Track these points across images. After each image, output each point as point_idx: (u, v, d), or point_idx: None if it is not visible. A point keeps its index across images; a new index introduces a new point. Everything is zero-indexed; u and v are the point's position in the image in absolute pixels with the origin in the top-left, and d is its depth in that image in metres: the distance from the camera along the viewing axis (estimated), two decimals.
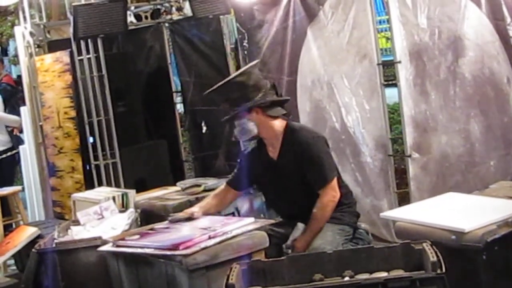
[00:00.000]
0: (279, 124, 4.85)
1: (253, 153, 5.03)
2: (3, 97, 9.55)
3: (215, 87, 4.85)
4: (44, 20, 8.25)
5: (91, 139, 7.64)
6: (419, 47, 5.78)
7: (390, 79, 6.34)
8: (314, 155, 4.74)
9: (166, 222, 4.71)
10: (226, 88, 4.79)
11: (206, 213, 4.82)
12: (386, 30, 6.61)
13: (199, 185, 5.94)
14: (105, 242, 4.64)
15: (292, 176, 4.80)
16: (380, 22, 6.84)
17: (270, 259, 3.69)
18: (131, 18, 8.25)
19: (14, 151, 9.29)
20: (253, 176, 4.99)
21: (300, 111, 6.93)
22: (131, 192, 5.95)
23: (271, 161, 4.90)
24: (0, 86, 9.81)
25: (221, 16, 7.98)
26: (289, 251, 4.72)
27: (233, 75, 4.92)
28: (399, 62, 5.89)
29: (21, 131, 9.45)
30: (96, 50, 7.54)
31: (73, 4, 7.41)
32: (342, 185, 4.93)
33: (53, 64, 7.84)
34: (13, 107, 9.70)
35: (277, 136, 4.84)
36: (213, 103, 8.02)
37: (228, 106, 4.83)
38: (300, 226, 4.82)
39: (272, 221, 4.69)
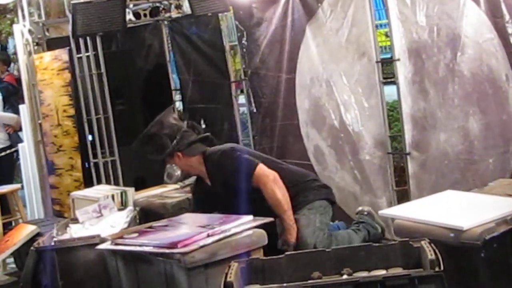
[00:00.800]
0: (198, 160, 5.18)
1: (195, 185, 5.51)
2: (4, 95, 9.55)
3: (135, 142, 5.42)
4: (43, 18, 8.24)
5: (90, 137, 7.63)
6: (418, 44, 5.78)
7: (389, 77, 6.34)
8: (229, 168, 4.98)
9: (167, 220, 4.72)
10: (144, 141, 5.31)
11: None
12: (385, 26, 6.59)
13: None
14: (103, 240, 4.64)
15: (225, 192, 5.00)
16: (380, 19, 6.83)
17: (269, 257, 3.69)
18: (130, 16, 8.24)
19: (12, 149, 9.28)
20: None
21: (299, 109, 6.93)
22: (130, 190, 5.96)
23: (207, 188, 5.21)
24: (2, 84, 9.81)
25: (220, 14, 7.98)
26: (284, 247, 4.75)
27: (148, 127, 5.39)
28: (398, 59, 5.89)
29: (15, 130, 9.45)
30: (95, 48, 7.53)
31: (72, 2, 7.39)
32: (285, 168, 5.12)
33: (52, 62, 7.83)
34: (12, 105, 9.70)
35: (201, 170, 5.17)
36: (212, 101, 8.07)
37: (155, 156, 5.28)
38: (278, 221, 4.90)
39: (271, 219, 4.69)
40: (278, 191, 4.84)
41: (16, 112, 9.24)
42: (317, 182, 5.13)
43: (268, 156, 5.47)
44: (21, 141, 9.21)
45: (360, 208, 5.13)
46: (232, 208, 4.78)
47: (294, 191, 4.94)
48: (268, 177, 4.86)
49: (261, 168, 4.90)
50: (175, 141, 5.14)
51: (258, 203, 4.77)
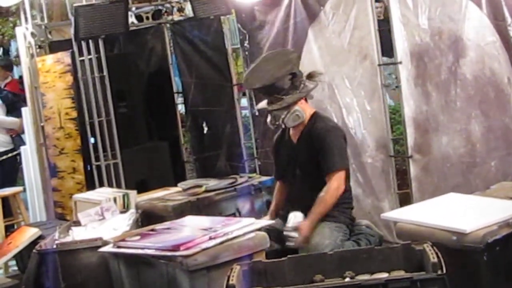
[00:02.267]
0: (309, 110, 5.09)
1: (277, 140, 5.31)
2: (5, 104, 9.57)
3: (266, 82, 4.96)
4: (46, 21, 8.25)
5: (92, 140, 7.64)
6: (420, 47, 5.78)
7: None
8: (328, 141, 4.91)
9: (169, 223, 4.72)
10: (280, 80, 4.95)
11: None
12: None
13: (200, 186, 5.95)
14: (106, 243, 4.64)
15: (307, 161, 4.98)
16: None
17: (271, 260, 3.69)
18: (132, 19, 8.25)
19: (15, 152, 9.29)
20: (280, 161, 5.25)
21: None
22: (132, 193, 5.96)
23: (292, 144, 5.13)
24: (1, 93, 9.78)
25: (222, 17, 7.98)
26: (291, 233, 4.78)
27: (279, 69, 4.99)
28: (400, 62, 5.89)
29: (18, 134, 9.45)
30: (97, 51, 7.54)
31: (75, 5, 7.41)
32: (346, 184, 4.99)
33: (54, 65, 7.84)
34: (17, 109, 9.69)
35: (304, 121, 5.04)
36: (214, 104, 8.06)
37: (276, 96, 4.96)
38: (292, 215, 4.88)
39: (273, 222, 4.69)
40: (334, 200, 4.88)
41: (19, 115, 9.25)
42: (351, 213, 5.12)
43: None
44: (23, 144, 9.22)
45: (358, 221, 5.13)
46: (292, 171, 5.06)
47: (335, 205, 4.94)
48: (339, 187, 4.87)
49: (342, 175, 4.89)
50: (303, 80, 5.04)
51: (311, 190, 4.90)
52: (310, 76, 5.09)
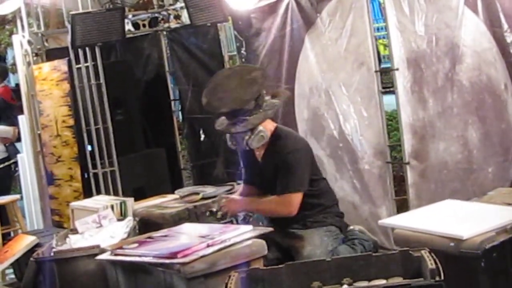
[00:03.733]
0: (270, 126, 4.95)
1: (244, 152, 5.13)
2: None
3: (235, 106, 4.76)
4: (42, 29, 8.26)
5: (89, 148, 7.64)
6: (416, 54, 5.78)
7: (388, 86, 6.34)
8: (287, 164, 4.81)
9: (166, 230, 4.72)
10: (250, 104, 4.77)
11: None
12: (383, 38, 6.60)
13: (197, 193, 5.93)
14: (103, 251, 4.63)
15: (272, 179, 4.90)
16: (377, 29, 6.84)
17: (269, 267, 3.69)
18: (129, 26, 8.26)
19: (11, 161, 9.27)
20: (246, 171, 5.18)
21: (298, 119, 6.93)
22: (130, 201, 5.95)
23: (256, 161, 5.04)
24: None
25: (219, 24, 7.99)
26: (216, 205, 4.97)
27: (245, 90, 4.81)
28: (397, 69, 5.89)
29: (12, 142, 9.43)
30: (94, 59, 7.54)
31: (71, 12, 7.42)
32: (323, 185, 5.07)
33: (51, 73, 7.85)
34: (8, 117, 9.67)
35: (267, 139, 4.92)
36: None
37: (240, 118, 4.78)
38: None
39: (271, 229, 4.69)
40: (273, 214, 4.94)
41: (12, 124, 9.23)
42: (338, 209, 5.11)
43: (318, 165, 5.27)
44: (18, 152, 9.21)
45: (351, 227, 5.11)
46: (260, 187, 5.02)
47: (318, 208, 4.95)
48: (286, 210, 4.83)
49: (295, 199, 4.81)
50: (277, 100, 4.88)
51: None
52: (275, 96, 4.96)
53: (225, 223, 5.00)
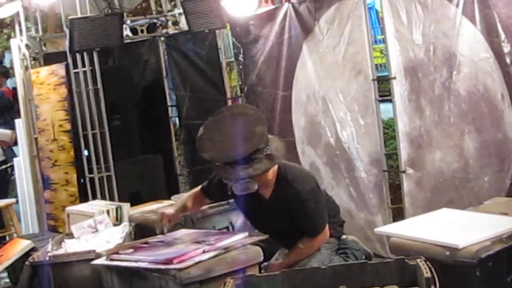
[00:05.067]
0: (271, 172, 4.64)
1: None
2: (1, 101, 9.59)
3: (235, 157, 4.39)
4: (40, 33, 8.27)
5: (85, 152, 7.64)
6: (414, 63, 5.80)
7: (385, 95, 6.35)
8: (307, 211, 4.62)
9: (162, 236, 4.71)
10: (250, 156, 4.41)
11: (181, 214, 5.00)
12: (381, 42, 6.62)
13: None
14: (99, 256, 4.63)
15: (282, 217, 4.69)
16: (375, 41, 6.86)
17: (265, 274, 3.69)
18: (127, 32, 8.27)
19: (8, 165, 9.27)
20: (241, 205, 4.92)
21: (295, 126, 6.94)
22: (126, 206, 5.95)
23: (261, 198, 4.72)
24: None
25: (217, 31, 8.00)
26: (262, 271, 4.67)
27: (251, 138, 4.43)
28: (394, 78, 5.91)
29: (9, 146, 9.43)
30: (91, 63, 7.55)
31: (69, 17, 7.43)
32: (329, 200, 4.97)
33: (48, 77, 7.85)
34: (6, 120, 9.69)
35: (271, 183, 4.68)
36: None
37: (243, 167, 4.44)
38: (284, 252, 4.81)
39: (266, 236, 4.68)
40: (311, 252, 4.73)
41: (11, 127, 9.24)
42: (339, 217, 5.07)
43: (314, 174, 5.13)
44: (15, 156, 9.21)
45: (344, 237, 5.08)
46: (262, 221, 4.74)
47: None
48: (323, 240, 4.72)
49: (326, 230, 4.71)
50: (276, 152, 4.50)
51: (288, 234, 4.69)
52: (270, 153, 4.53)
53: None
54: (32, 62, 8.22)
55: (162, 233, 4.81)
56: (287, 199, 4.62)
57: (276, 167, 4.62)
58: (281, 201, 4.66)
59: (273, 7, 7.32)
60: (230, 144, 4.47)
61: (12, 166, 9.16)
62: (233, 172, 4.44)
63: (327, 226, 4.72)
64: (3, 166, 9.25)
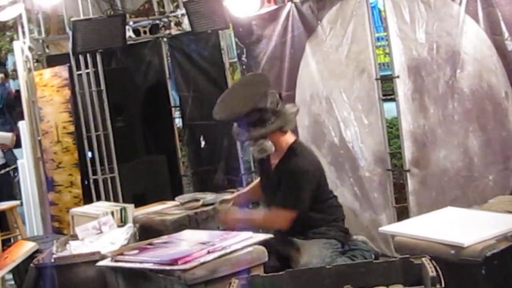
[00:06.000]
0: (287, 140, 4.90)
1: (261, 159, 5.14)
2: (5, 99, 9.62)
3: (234, 115, 4.87)
4: (43, 35, 8.29)
5: (89, 154, 7.65)
6: (417, 61, 5.79)
7: (389, 94, 6.35)
8: (292, 182, 4.78)
9: (167, 237, 4.72)
10: (250, 116, 4.75)
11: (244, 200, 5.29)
12: (384, 42, 6.61)
13: (197, 200, 5.93)
14: (103, 257, 4.62)
15: (275, 190, 4.89)
16: (378, 39, 6.86)
17: (269, 274, 3.68)
18: (130, 33, 8.28)
19: (11, 167, 9.28)
20: (261, 180, 5.20)
21: (298, 126, 6.92)
22: (130, 207, 5.95)
23: (269, 170, 5.02)
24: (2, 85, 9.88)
25: (219, 31, 8.00)
26: (219, 205, 5.05)
27: (253, 99, 4.80)
28: (398, 77, 5.90)
29: (9, 149, 9.44)
30: (95, 65, 7.56)
31: (72, 19, 7.44)
32: (331, 202, 5.01)
33: (52, 79, 7.86)
34: (6, 120, 9.71)
35: (282, 151, 4.90)
36: (212, 118, 8.06)
37: (246, 129, 4.82)
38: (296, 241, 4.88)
39: (271, 236, 4.68)
40: (264, 226, 4.89)
41: (11, 127, 9.26)
42: (343, 224, 5.10)
43: (328, 183, 5.19)
44: (16, 159, 9.23)
45: (354, 237, 5.11)
46: (267, 196, 5.05)
47: (322, 222, 4.92)
48: (278, 224, 4.83)
49: (288, 216, 4.78)
50: (278, 118, 4.81)
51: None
52: (280, 112, 4.88)
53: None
54: (35, 64, 8.23)
55: None
56: (284, 169, 4.85)
57: (291, 139, 4.90)
58: (280, 171, 4.88)
59: (275, 7, 7.31)
60: (233, 104, 4.88)
61: (14, 169, 9.17)
62: (240, 132, 4.89)
63: (291, 214, 4.77)
64: (6, 169, 9.25)
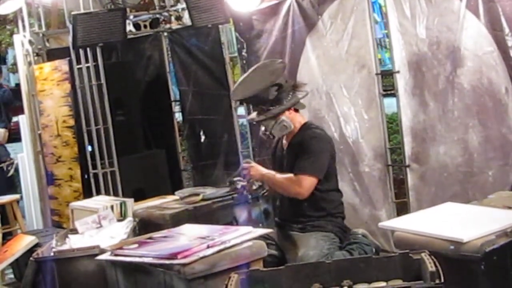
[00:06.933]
0: (300, 119, 5.10)
1: (274, 147, 5.34)
2: (4, 97, 9.61)
3: (248, 94, 5.03)
4: (43, 29, 8.28)
5: (89, 148, 7.64)
6: (418, 57, 5.79)
7: (389, 89, 6.35)
8: (308, 148, 4.92)
9: (166, 231, 4.72)
10: (264, 92, 4.93)
11: None
12: (385, 37, 6.61)
13: (197, 194, 5.94)
14: (103, 251, 4.64)
15: (291, 168, 4.96)
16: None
17: (269, 269, 3.69)
18: (130, 27, 8.26)
19: (5, 164, 9.28)
20: (274, 161, 5.33)
21: None
22: (130, 201, 5.96)
23: (282, 152, 5.17)
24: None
25: (220, 26, 7.99)
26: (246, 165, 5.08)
27: (264, 78, 5.01)
28: (398, 72, 5.90)
29: (1, 144, 9.45)
30: (95, 59, 7.55)
31: (73, 12, 7.42)
32: (335, 195, 5.08)
33: (52, 73, 7.86)
34: (2, 119, 9.72)
35: (294, 131, 5.06)
36: (212, 112, 8.08)
37: (262, 107, 4.99)
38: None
39: (271, 230, 4.69)
40: (286, 192, 5.00)
41: (4, 125, 9.27)
42: (342, 222, 5.13)
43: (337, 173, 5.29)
44: (8, 154, 9.24)
45: (354, 230, 5.14)
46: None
47: (322, 213, 4.99)
48: (299, 192, 4.90)
49: (309, 181, 4.87)
50: (291, 92, 5.05)
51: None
52: (296, 87, 5.12)
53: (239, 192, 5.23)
54: (36, 58, 8.23)
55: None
56: (299, 142, 4.99)
57: (303, 119, 5.14)
58: (296, 146, 5.01)
59: (276, 1, 7.29)
60: (252, 84, 5.02)
61: (10, 164, 9.17)
62: (258, 112, 5.01)
63: (312, 180, 4.88)
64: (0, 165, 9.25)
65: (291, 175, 4.91)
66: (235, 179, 5.21)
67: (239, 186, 5.17)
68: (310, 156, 4.88)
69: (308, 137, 4.98)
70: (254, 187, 5.16)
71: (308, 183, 4.87)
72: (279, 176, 4.98)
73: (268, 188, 5.16)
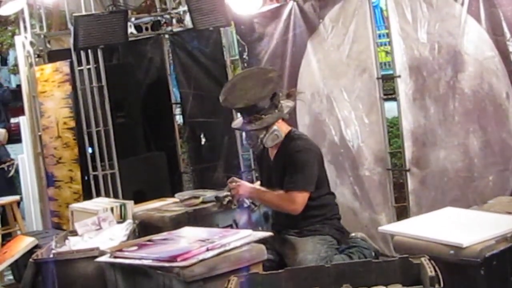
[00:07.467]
0: (285, 128, 5.03)
1: (259, 155, 5.31)
2: (4, 97, 9.62)
3: (250, 102, 4.87)
4: (45, 30, 8.28)
5: (90, 150, 7.64)
6: (418, 61, 5.79)
7: (390, 93, 6.35)
8: (296, 162, 4.87)
9: (166, 233, 4.72)
10: (263, 101, 4.86)
11: None
12: (386, 44, 6.61)
13: (197, 197, 5.93)
14: (103, 253, 4.63)
15: (280, 179, 4.94)
16: (380, 36, 6.84)
17: (268, 272, 3.68)
18: (131, 29, 8.27)
19: (10, 163, 9.27)
20: (260, 171, 5.35)
21: (299, 124, 6.93)
22: (129, 203, 5.95)
23: (269, 162, 5.12)
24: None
25: (221, 29, 7.99)
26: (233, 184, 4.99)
27: (261, 88, 4.92)
28: (399, 76, 5.90)
29: (1, 144, 9.45)
30: (96, 61, 7.55)
31: (74, 14, 7.42)
32: (327, 198, 5.07)
33: (53, 74, 7.85)
34: (1, 119, 9.73)
35: (280, 140, 4.99)
36: (212, 115, 8.07)
37: (256, 116, 4.89)
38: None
39: (270, 234, 4.69)
40: (279, 208, 4.97)
41: (3, 126, 9.28)
42: (339, 223, 5.12)
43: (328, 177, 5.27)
44: (8, 155, 9.24)
45: (353, 234, 5.13)
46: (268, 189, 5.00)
47: (318, 219, 4.98)
48: (292, 208, 4.87)
49: (301, 197, 4.84)
50: (282, 101, 4.99)
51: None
52: (289, 95, 5.09)
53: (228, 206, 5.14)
54: (37, 59, 8.23)
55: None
56: (285, 154, 4.93)
57: (287, 127, 5.04)
58: (281, 158, 4.96)
59: (277, 5, 7.31)
60: (250, 92, 4.91)
61: (11, 165, 9.17)
62: (249, 121, 4.90)
63: (304, 196, 4.85)
64: (0, 166, 9.24)
65: (281, 192, 4.89)
66: (222, 195, 5.14)
67: (225, 202, 5.11)
68: (298, 172, 4.85)
69: (293, 151, 4.92)
70: (245, 205, 5.13)
71: (300, 199, 4.85)
72: (270, 194, 4.95)
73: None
